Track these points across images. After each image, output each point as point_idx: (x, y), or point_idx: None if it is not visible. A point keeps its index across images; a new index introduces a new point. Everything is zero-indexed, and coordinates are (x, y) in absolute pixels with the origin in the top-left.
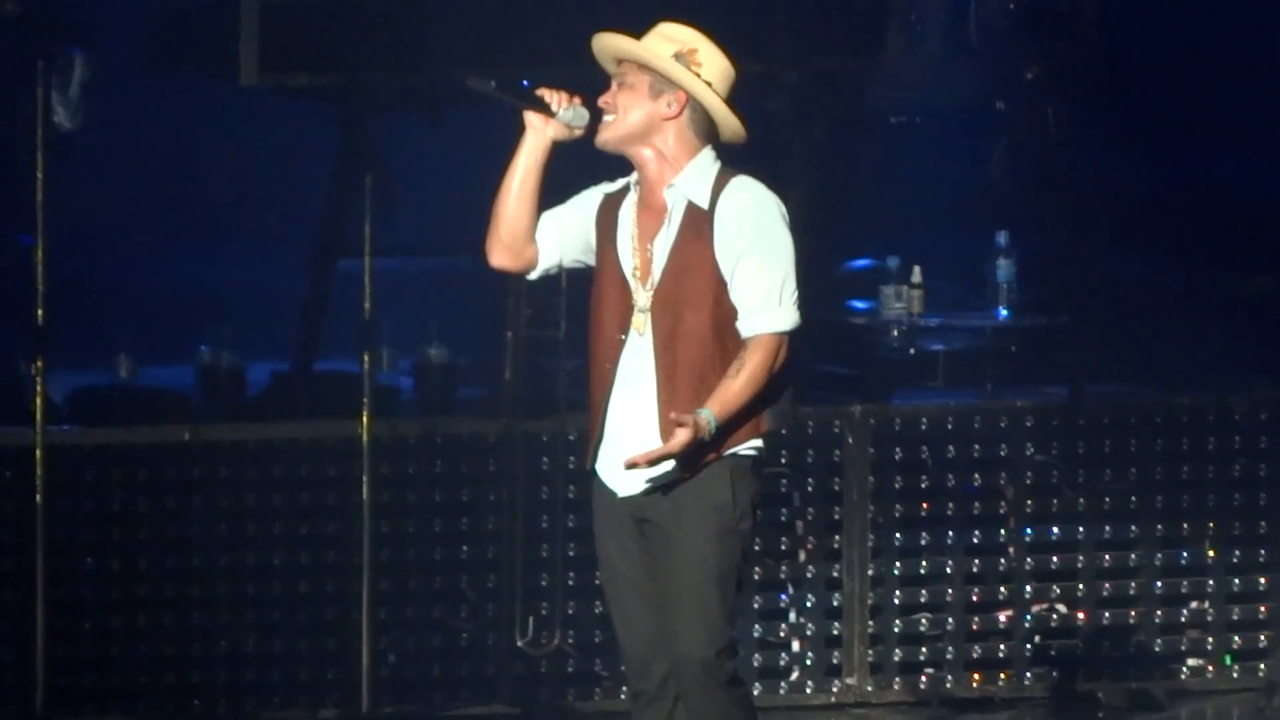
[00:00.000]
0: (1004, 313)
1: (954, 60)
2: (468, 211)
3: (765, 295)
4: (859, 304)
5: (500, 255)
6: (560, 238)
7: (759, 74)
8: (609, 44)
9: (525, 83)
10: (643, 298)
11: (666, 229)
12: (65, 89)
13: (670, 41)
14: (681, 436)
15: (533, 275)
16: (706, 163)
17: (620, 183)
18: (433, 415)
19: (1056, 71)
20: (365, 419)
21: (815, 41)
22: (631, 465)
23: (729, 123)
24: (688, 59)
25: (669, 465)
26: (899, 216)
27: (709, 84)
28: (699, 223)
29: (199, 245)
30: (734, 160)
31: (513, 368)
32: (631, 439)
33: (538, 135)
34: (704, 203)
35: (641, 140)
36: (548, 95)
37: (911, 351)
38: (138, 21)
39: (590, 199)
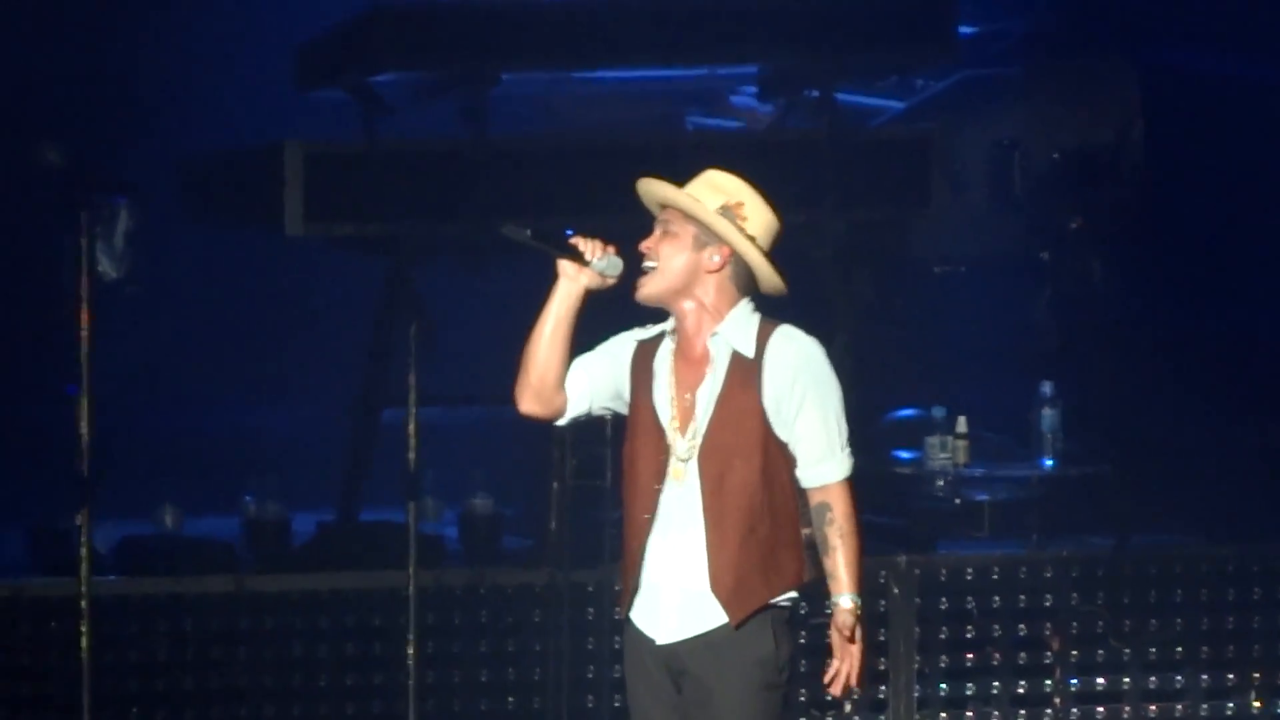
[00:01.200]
0: (1049, 462)
1: (998, 210)
2: (511, 361)
3: (828, 444)
4: (904, 454)
5: (529, 402)
6: (591, 386)
7: (804, 223)
8: (655, 190)
9: (569, 231)
10: (682, 447)
11: (711, 378)
12: (110, 238)
13: (717, 192)
14: (853, 640)
15: (561, 422)
16: (747, 313)
17: (654, 330)
18: (478, 566)
19: (1100, 221)
20: (411, 569)
21: (861, 191)
22: (846, 691)
23: (771, 279)
24: (734, 212)
25: (714, 617)
26: (944, 366)
27: (753, 238)
28: (746, 372)
29: (244, 395)
30: (781, 308)
31: (558, 518)
32: (670, 586)
33: (571, 283)
34: (750, 352)
35: (683, 292)
36: (582, 244)
37: (957, 501)
38: (181, 170)
39: (623, 347)
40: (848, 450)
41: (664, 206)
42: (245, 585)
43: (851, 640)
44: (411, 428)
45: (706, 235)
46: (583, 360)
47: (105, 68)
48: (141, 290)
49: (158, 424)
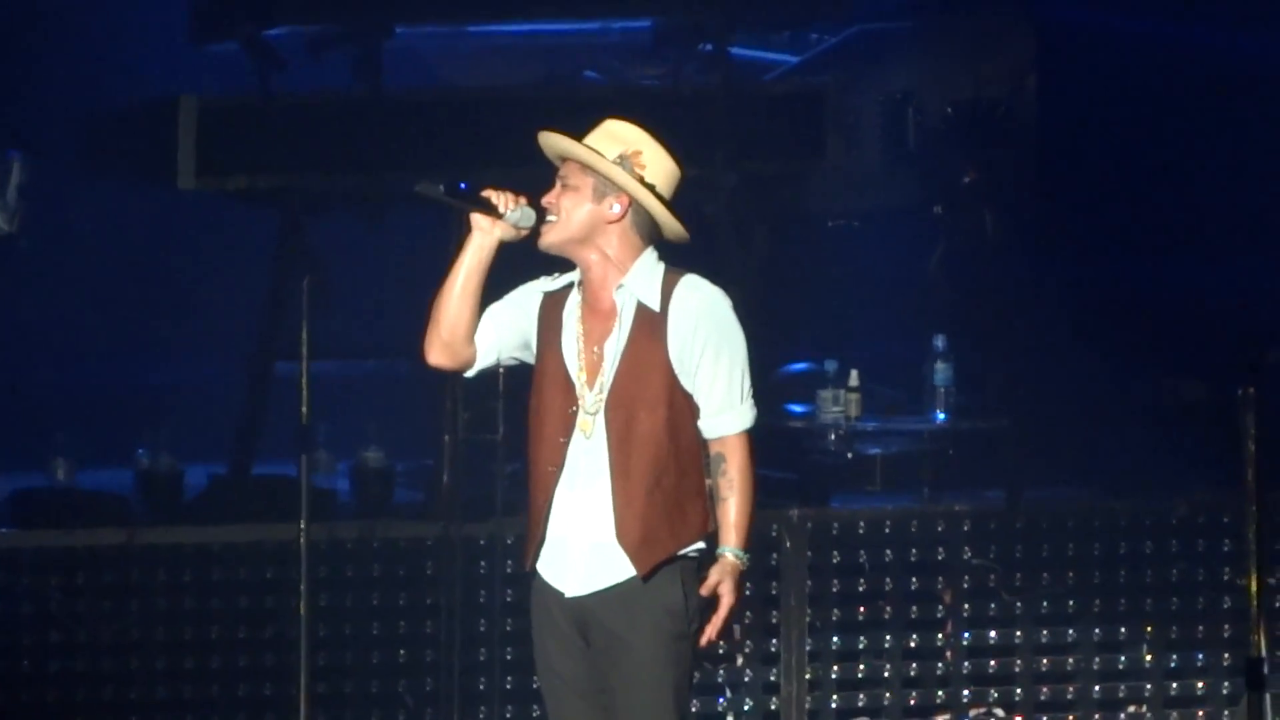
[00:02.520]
0: (941, 416)
1: (892, 164)
2: (405, 314)
3: (727, 394)
4: (796, 408)
5: (439, 353)
6: (498, 337)
7: (697, 177)
8: (554, 143)
9: (463, 185)
10: (590, 400)
11: (618, 331)
12: (2, 192)
13: (616, 141)
14: (727, 587)
15: (469, 373)
16: (651, 263)
17: (561, 281)
18: (370, 519)
19: (993, 176)
20: (303, 523)
21: (755, 145)
22: (710, 642)
23: (672, 226)
24: (632, 160)
25: (622, 569)
26: (837, 320)
27: (653, 186)
28: (651, 324)
29: (137, 348)
30: (672, 261)
31: (450, 471)
32: (578, 539)
33: (484, 236)
34: (655, 304)
35: (585, 242)
36: (494, 197)
37: (849, 455)
38: (75, 124)
39: (530, 298)
40: (749, 403)
41: (564, 159)
42: (137, 537)
43: (727, 593)
44: (304, 381)
45: (605, 185)
46: (490, 311)
47: (1, 19)
48: (34, 244)
49: (51, 378)
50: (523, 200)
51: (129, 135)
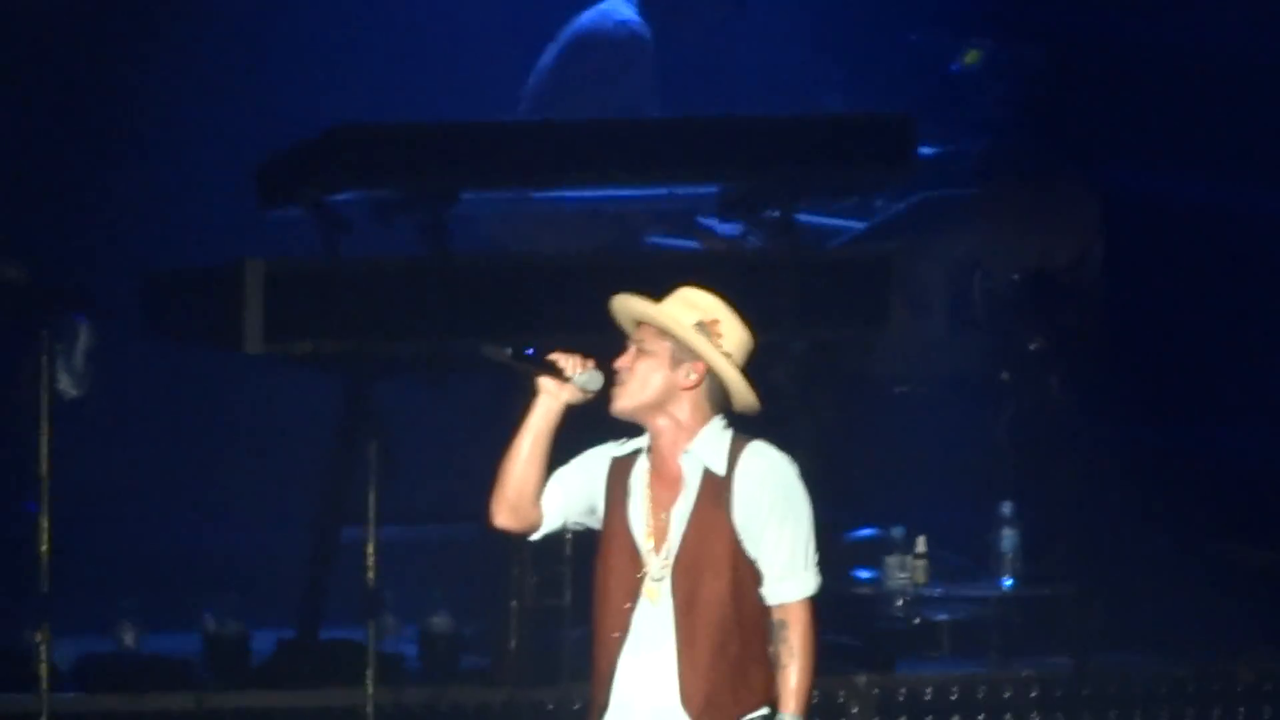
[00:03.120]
0: (1008, 582)
1: (958, 330)
2: (471, 478)
3: (790, 561)
4: (863, 573)
5: (505, 516)
6: (565, 501)
7: (763, 343)
8: (631, 306)
9: (529, 350)
10: (656, 567)
11: (684, 496)
12: (70, 356)
13: (693, 309)
14: None
15: (535, 536)
16: (719, 429)
17: (629, 446)
18: (437, 684)
19: (1060, 341)
20: (370, 688)
21: (821, 312)
22: None
23: (745, 396)
24: (710, 329)
25: None
26: (903, 486)
27: (728, 355)
28: (716, 489)
29: (203, 512)
30: (740, 428)
31: (517, 636)
32: (644, 704)
33: (551, 399)
34: (720, 469)
35: (658, 408)
36: (562, 360)
37: (916, 621)
38: (141, 287)
39: (598, 463)
40: (813, 570)
41: (639, 324)
42: (205, 703)
43: None
44: (370, 546)
45: (682, 352)
46: (558, 475)
47: (67, 184)
48: (100, 405)
49: (117, 540)
50: (590, 363)
51: (194, 298)
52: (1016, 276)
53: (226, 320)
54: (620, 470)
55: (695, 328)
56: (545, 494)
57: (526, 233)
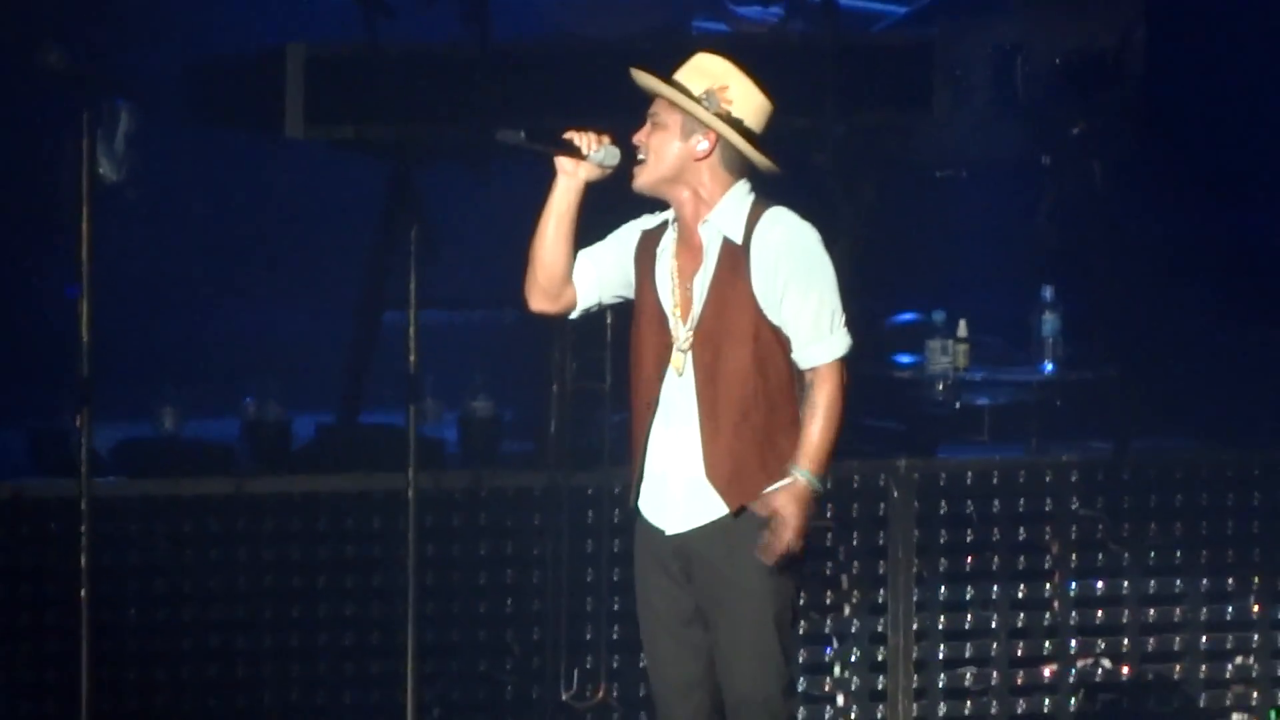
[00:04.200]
0: (1049, 367)
1: (1000, 115)
2: (513, 264)
3: (815, 325)
4: (904, 358)
5: (539, 299)
6: (599, 276)
7: (804, 128)
8: (642, 81)
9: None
10: (682, 336)
11: (705, 267)
12: (110, 141)
13: (703, 76)
14: (790, 510)
15: (573, 315)
16: (740, 196)
17: (657, 219)
18: (478, 468)
19: (1102, 125)
20: (410, 472)
21: (863, 96)
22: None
23: (759, 161)
24: (718, 95)
25: (718, 506)
26: (944, 271)
27: (740, 120)
28: (734, 258)
29: (244, 297)
30: (766, 198)
31: (558, 420)
32: (675, 476)
33: (570, 178)
34: (738, 238)
35: (676, 180)
36: (577, 138)
37: (957, 406)
38: (183, 74)
39: (628, 236)
40: (841, 333)
41: (653, 97)
42: (244, 487)
43: (789, 515)
44: (412, 330)
45: (693, 122)
46: (588, 252)
47: None
48: (141, 193)
49: (157, 326)
50: (606, 139)
51: (236, 84)
52: (1058, 59)
53: (268, 105)
54: (649, 242)
55: (703, 95)
56: (576, 272)
57: (570, 21)
